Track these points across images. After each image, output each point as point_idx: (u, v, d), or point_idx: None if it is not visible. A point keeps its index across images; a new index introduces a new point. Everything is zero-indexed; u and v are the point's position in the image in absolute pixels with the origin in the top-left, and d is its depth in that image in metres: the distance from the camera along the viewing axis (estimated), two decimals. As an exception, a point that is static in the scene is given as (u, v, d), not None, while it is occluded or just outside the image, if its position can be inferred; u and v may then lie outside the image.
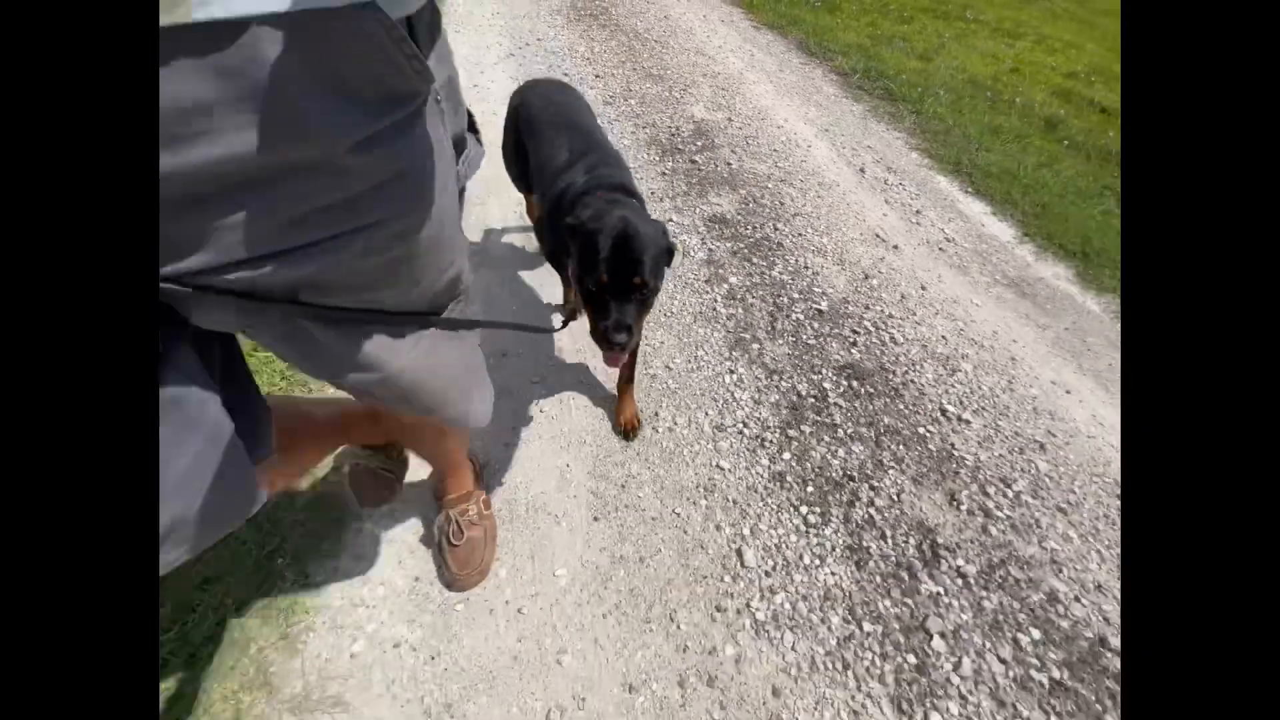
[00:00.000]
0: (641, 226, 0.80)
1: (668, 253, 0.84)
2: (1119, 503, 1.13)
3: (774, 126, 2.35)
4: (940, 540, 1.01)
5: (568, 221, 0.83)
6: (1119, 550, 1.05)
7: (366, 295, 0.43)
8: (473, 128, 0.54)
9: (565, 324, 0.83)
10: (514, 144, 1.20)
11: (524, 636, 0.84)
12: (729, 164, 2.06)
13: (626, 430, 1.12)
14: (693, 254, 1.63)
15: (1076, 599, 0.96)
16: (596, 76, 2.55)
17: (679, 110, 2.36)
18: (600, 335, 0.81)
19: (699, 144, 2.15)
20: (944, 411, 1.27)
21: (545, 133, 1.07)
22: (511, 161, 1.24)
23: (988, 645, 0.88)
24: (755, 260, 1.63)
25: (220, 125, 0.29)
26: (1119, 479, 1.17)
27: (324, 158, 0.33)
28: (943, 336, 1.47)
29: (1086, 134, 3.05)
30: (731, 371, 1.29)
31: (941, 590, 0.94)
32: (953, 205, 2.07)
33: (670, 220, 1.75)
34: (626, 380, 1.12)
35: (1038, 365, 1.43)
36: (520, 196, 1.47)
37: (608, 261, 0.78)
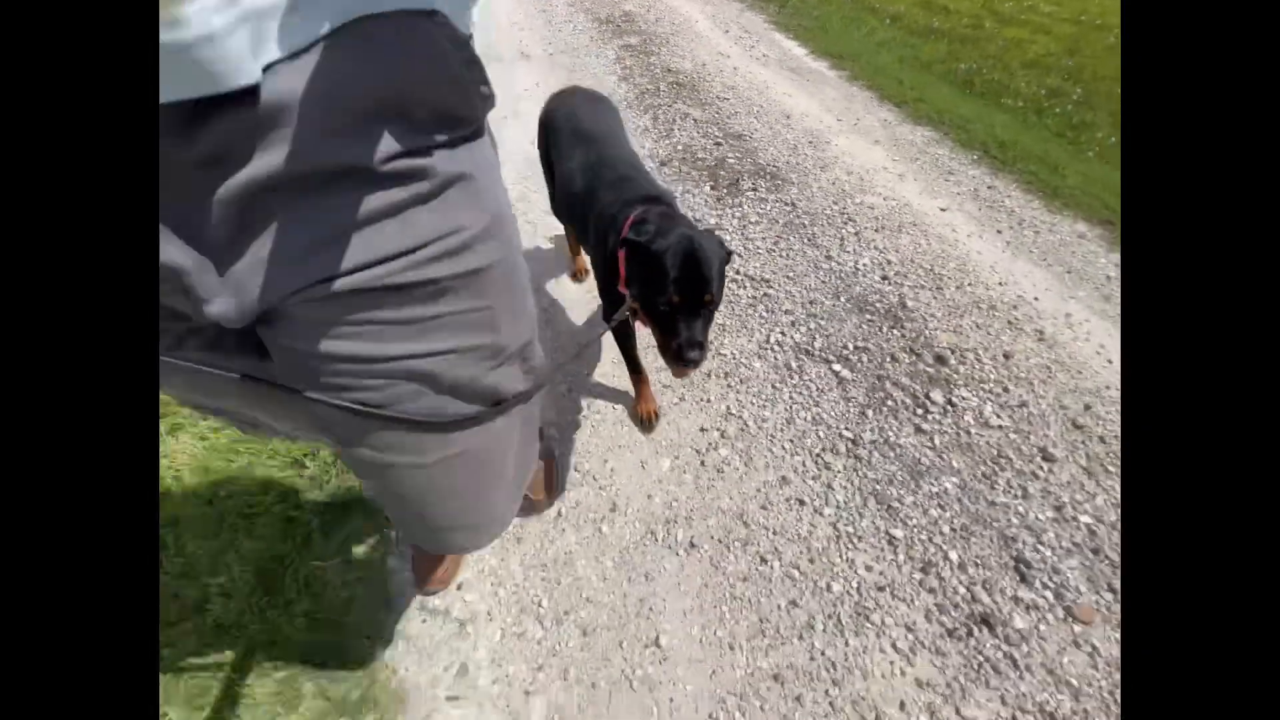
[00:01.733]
0: (705, 243, 0.90)
1: (727, 259, 0.94)
2: (787, 119, 2.82)
3: (677, 14, 4.18)
4: (692, 116, 2.75)
5: (628, 238, 0.92)
6: (772, 122, 2.75)
7: (433, 349, 0.41)
8: None
9: (612, 328, 0.93)
10: (547, 163, 1.38)
11: (521, 125, 2.60)
12: (640, 27, 3.88)
13: (645, 420, 1.33)
14: (608, 56, 3.42)
15: (744, 129, 2.66)
16: (569, 4, 4.41)
17: (616, 7, 4.21)
18: (674, 354, 0.91)
19: (624, 19, 3.99)
20: (719, 96, 3.01)
21: (569, 151, 1.22)
22: (550, 181, 1.41)
23: (697, 135, 2.60)
24: (640, 57, 3.43)
25: (259, 147, 0.30)
26: (785, 111, 2.88)
27: (356, 167, 0.33)
28: (735, 81, 3.22)
29: (919, 20, 4.76)
30: (617, 89, 3.05)
31: (687, 128, 2.67)
32: (777, 44, 3.83)
33: (599, 46, 3.54)
34: (641, 374, 1.31)
35: (781, 90, 3.16)
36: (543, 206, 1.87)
37: (678, 282, 0.87)
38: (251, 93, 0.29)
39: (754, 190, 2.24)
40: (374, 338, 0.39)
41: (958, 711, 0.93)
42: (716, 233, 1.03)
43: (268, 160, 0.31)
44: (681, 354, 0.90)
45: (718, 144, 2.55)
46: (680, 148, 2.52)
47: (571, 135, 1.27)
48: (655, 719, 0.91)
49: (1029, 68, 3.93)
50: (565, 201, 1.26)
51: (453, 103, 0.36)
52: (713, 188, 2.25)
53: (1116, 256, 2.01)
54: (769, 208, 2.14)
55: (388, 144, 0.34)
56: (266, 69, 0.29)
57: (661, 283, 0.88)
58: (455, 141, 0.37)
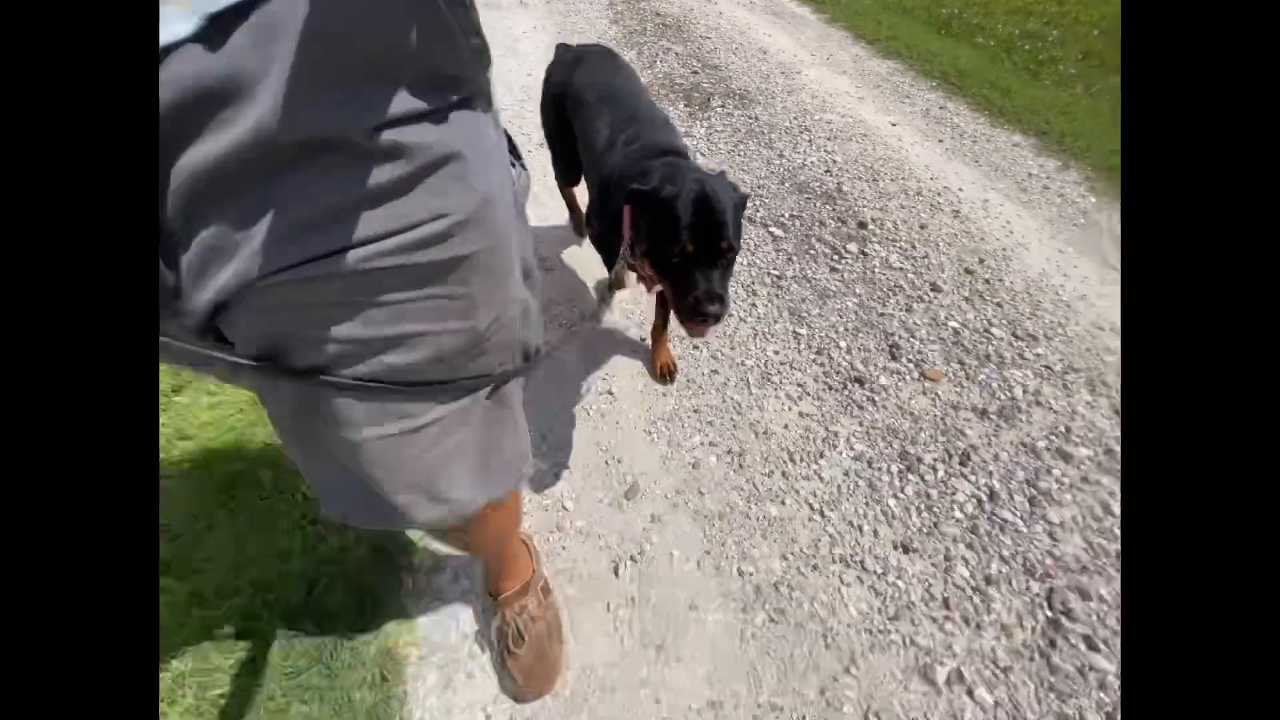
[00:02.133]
0: (717, 186, 0.85)
1: (744, 205, 0.90)
2: (763, 54, 3.13)
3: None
4: (674, 51, 3.08)
5: (635, 188, 0.87)
6: (749, 60, 3.07)
7: (405, 331, 0.40)
8: (514, 152, 0.52)
9: (610, 292, 0.85)
10: (555, 125, 1.36)
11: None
12: (634, -22, 4.18)
13: (664, 374, 1.35)
14: (601, 2, 3.74)
15: (721, 62, 2.98)
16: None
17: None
18: (690, 309, 0.84)
19: (619, -28, 4.29)
20: (701, 35, 3.33)
21: (590, 110, 1.20)
22: (555, 145, 1.41)
23: (677, 66, 2.93)
24: (631, 2, 3.75)
25: (226, 116, 0.28)
26: (762, 47, 3.19)
27: (341, 139, 0.31)
28: (718, 23, 3.53)
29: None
30: (608, 31, 3.37)
31: (668, 60, 2.99)
32: (764, -8, 4.11)
33: (594, -6, 3.86)
34: (661, 328, 1.30)
35: (761, 30, 3.46)
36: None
37: (691, 228, 0.82)
38: (199, 49, 0.27)
39: (722, 107, 2.57)
40: (343, 319, 0.38)
41: (826, 428, 1.29)
42: (728, 178, 0.97)
43: (231, 135, 0.29)
44: (699, 307, 0.82)
45: (695, 73, 2.88)
46: (660, 75, 2.85)
47: (592, 101, 1.24)
48: (604, 433, 1.29)
49: (1013, 13, 4.16)
50: (590, 167, 1.22)
51: (443, 60, 0.34)
52: (686, 105, 2.59)
53: (1042, 159, 2.32)
54: (734, 120, 2.48)
55: (376, 110, 0.32)
56: (217, 18, 0.26)
57: (674, 230, 0.82)
58: (447, 108, 0.36)
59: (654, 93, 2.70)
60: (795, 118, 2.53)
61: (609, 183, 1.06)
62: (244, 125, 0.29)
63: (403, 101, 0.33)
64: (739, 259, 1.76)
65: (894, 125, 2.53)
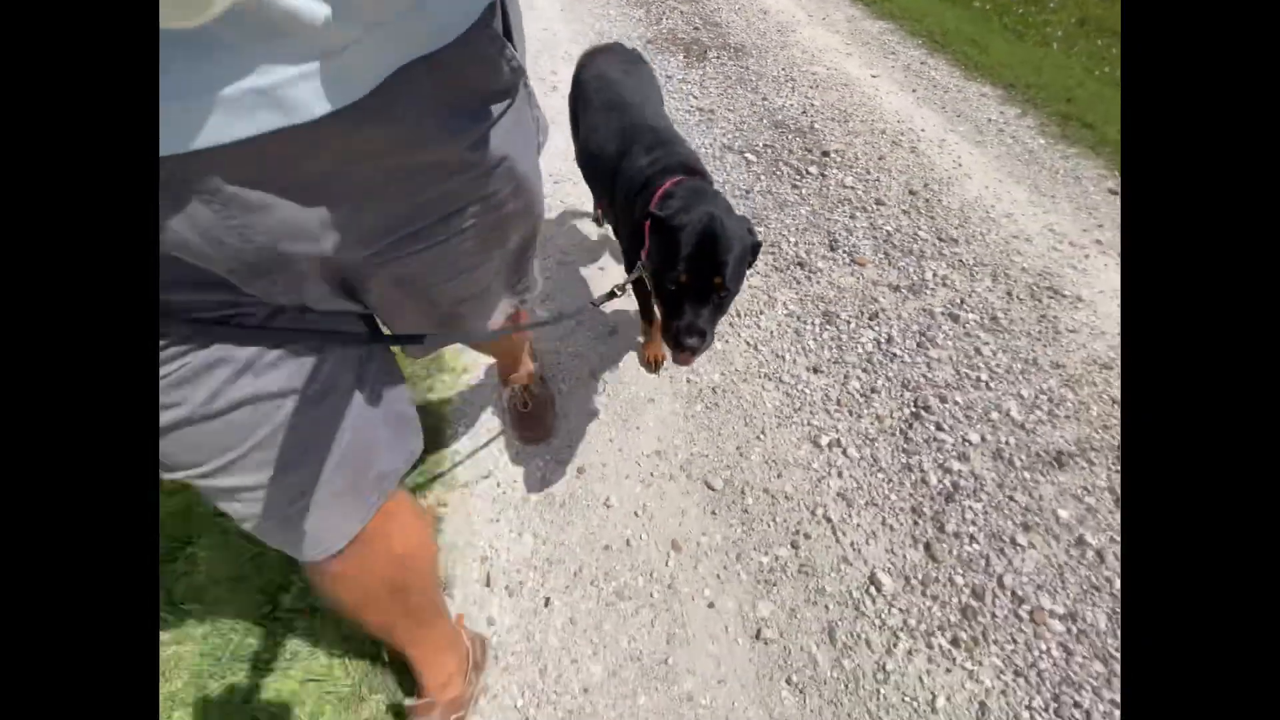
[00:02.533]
0: (728, 224, 0.89)
1: (753, 250, 0.91)
2: (763, 14, 3.42)
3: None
4: (679, 9, 3.41)
5: (651, 213, 0.92)
6: (756, 26, 3.36)
7: (463, 265, 0.57)
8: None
9: (606, 299, 0.89)
10: (576, 124, 1.41)
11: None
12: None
13: (649, 363, 1.44)
14: (617, -33, 4.06)
15: (723, 20, 3.29)
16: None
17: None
18: (672, 337, 0.89)
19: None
20: (714, 7, 3.62)
21: (599, 116, 1.25)
22: (575, 134, 1.42)
23: (680, 22, 3.25)
24: (646, -33, 4.04)
25: (398, 138, 0.42)
26: (763, 7, 3.48)
27: (447, 159, 0.46)
28: (724, -14, 3.81)
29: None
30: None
31: (673, 17, 3.32)
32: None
33: (609, -42, 4.17)
34: (654, 322, 1.36)
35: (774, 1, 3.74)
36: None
37: (689, 260, 0.86)
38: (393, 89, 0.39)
39: (718, 59, 2.90)
40: (428, 269, 0.53)
41: (769, 295, 1.66)
42: (748, 218, 1.05)
43: (391, 147, 0.42)
44: (679, 338, 0.88)
45: (696, 29, 3.20)
46: (665, 31, 3.18)
47: (603, 97, 1.29)
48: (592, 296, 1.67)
49: (1016, -21, 4.35)
50: (590, 164, 1.29)
51: (494, 84, 0.48)
52: (684, 57, 2.92)
53: (1004, 108, 2.61)
54: (727, 70, 2.81)
55: (464, 134, 0.46)
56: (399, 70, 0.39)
57: (673, 259, 0.88)
58: (501, 114, 0.49)
59: (658, 46, 3.04)
60: (784, 69, 2.84)
61: (635, 182, 1.11)
62: (404, 141, 0.43)
63: (475, 122, 0.47)
64: (715, 176, 2.12)
65: (874, 77, 2.84)
